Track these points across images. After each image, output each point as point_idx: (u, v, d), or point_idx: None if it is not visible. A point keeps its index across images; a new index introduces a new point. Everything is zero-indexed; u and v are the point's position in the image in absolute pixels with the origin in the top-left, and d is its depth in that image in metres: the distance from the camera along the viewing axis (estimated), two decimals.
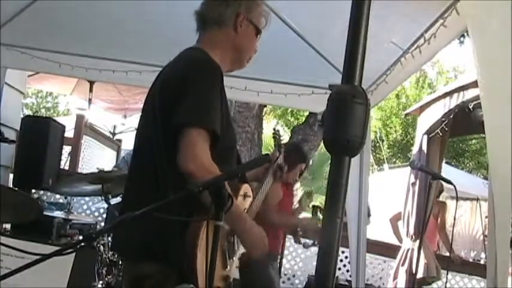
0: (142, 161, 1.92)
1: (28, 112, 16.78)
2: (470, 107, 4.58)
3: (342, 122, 1.09)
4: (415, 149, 5.50)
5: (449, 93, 4.85)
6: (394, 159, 17.40)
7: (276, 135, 2.58)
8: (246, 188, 2.03)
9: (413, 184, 5.17)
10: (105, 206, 3.98)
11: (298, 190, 13.12)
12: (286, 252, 5.33)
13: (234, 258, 1.97)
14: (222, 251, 1.87)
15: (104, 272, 3.37)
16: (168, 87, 1.85)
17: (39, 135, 4.88)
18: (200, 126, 1.75)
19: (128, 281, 2.04)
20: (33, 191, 5.23)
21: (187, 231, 1.72)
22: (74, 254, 2.32)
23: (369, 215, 6.60)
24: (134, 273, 1.87)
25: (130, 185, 1.97)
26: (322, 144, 6.06)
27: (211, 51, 1.94)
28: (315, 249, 5.84)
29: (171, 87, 1.84)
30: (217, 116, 1.80)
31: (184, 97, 1.78)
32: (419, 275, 4.73)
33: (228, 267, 1.92)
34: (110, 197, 3.56)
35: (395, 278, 5.23)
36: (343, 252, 5.48)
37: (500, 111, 2.06)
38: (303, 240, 4.08)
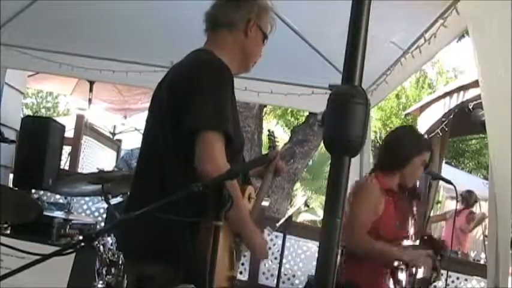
0: (148, 161, 1.92)
1: (28, 112, 16.75)
2: (470, 107, 4.58)
3: (342, 122, 1.09)
4: None
5: (449, 93, 4.86)
6: None
7: (271, 136, 2.56)
8: (250, 190, 2.03)
9: None
10: (105, 206, 3.97)
11: (299, 190, 13.13)
12: (286, 252, 5.33)
13: (240, 259, 1.97)
14: (230, 252, 1.87)
15: (104, 272, 3.37)
16: (177, 88, 1.86)
17: (39, 135, 4.87)
18: (217, 128, 1.76)
19: (132, 281, 2.04)
20: (33, 191, 5.23)
21: (198, 232, 1.71)
22: (74, 254, 2.32)
23: None
24: (138, 273, 1.88)
25: (136, 185, 1.97)
26: (322, 144, 6.06)
27: (220, 53, 1.96)
28: (315, 249, 5.83)
29: (180, 88, 1.84)
30: (230, 118, 1.81)
31: (196, 98, 1.78)
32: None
33: (235, 268, 1.92)
34: (110, 197, 3.56)
35: None
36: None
37: (501, 111, 2.06)
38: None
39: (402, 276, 2.98)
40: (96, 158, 7.97)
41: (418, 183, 3.05)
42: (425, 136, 5.13)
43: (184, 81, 1.85)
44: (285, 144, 2.50)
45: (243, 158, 2.09)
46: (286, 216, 4.17)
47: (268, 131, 2.60)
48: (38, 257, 1.21)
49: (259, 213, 2.20)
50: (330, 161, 1.12)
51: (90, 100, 7.41)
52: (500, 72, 2.04)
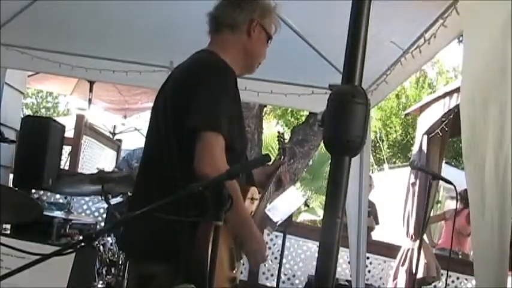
0: (150, 161, 1.93)
1: (28, 112, 16.78)
2: None
3: (342, 122, 1.09)
4: (415, 149, 5.50)
5: (449, 93, 4.84)
6: (394, 159, 17.39)
7: (280, 138, 2.53)
8: (253, 190, 2.02)
9: (413, 184, 5.17)
10: (105, 206, 3.98)
11: (299, 190, 13.14)
12: (286, 252, 5.32)
13: (241, 260, 1.96)
14: (229, 253, 1.87)
15: (104, 272, 3.38)
16: (179, 88, 1.86)
17: (39, 135, 4.86)
18: (217, 129, 1.76)
19: (133, 281, 2.04)
20: (33, 191, 5.22)
21: (196, 232, 1.71)
22: (74, 254, 2.32)
23: (377, 223, 6.61)
24: (140, 272, 1.88)
25: (138, 185, 1.97)
26: (322, 144, 6.06)
27: (223, 54, 1.95)
28: (315, 249, 5.83)
29: (182, 88, 1.84)
30: (229, 119, 1.80)
31: (197, 98, 1.78)
32: (419, 275, 4.73)
33: (235, 269, 1.92)
34: (110, 197, 3.56)
35: (395, 278, 5.23)
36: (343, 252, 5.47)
37: (480, 115, 1.98)
38: None
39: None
40: (96, 158, 7.97)
41: None
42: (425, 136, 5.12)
43: (187, 81, 1.85)
44: (278, 154, 2.46)
45: (247, 158, 2.08)
46: (286, 216, 4.17)
47: (278, 132, 2.58)
48: (38, 257, 1.21)
49: (261, 222, 2.17)
50: (330, 161, 1.12)
51: (90, 100, 7.41)
52: (479, 75, 2.01)
